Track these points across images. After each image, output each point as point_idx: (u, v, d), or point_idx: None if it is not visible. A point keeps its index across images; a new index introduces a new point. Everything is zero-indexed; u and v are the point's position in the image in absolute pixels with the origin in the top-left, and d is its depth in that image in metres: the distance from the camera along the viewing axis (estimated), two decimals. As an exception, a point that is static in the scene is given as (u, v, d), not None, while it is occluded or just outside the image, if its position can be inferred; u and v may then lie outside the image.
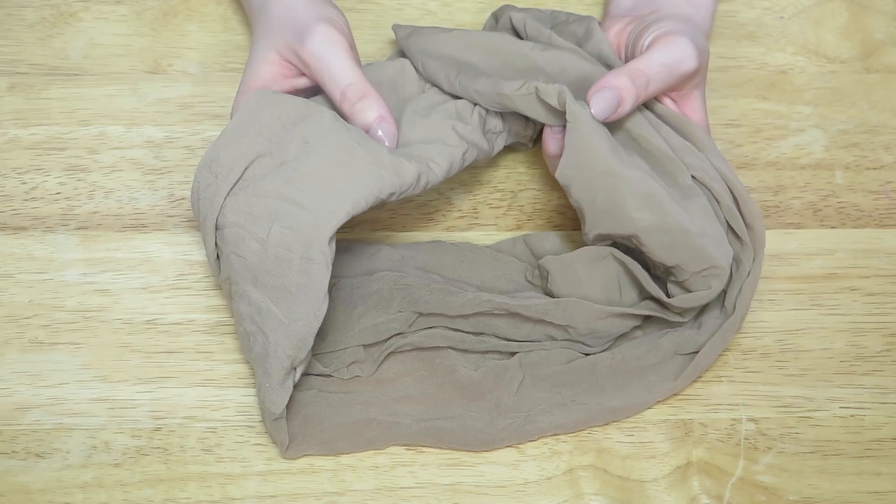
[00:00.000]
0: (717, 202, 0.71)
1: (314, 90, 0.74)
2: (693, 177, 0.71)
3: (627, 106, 0.69)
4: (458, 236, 0.78)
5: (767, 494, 0.70)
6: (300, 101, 0.69)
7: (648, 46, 0.72)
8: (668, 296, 0.71)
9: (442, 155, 0.70)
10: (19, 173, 0.79)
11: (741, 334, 0.75)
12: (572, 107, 0.68)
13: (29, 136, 0.80)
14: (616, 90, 0.69)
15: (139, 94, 0.82)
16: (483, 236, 0.78)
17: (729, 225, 0.71)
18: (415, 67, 0.75)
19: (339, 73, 0.70)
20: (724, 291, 0.72)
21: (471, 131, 0.72)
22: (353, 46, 0.73)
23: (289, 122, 0.69)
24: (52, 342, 0.74)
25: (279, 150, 0.68)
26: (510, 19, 0.77)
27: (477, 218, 0.79)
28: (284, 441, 0.69)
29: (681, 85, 0.72)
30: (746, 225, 0.71)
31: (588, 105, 0.69)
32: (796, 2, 0.87)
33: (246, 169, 0.68)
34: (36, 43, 0.84)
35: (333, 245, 0.66)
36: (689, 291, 0.70)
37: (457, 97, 0.73)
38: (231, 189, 0.67)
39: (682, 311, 0.72)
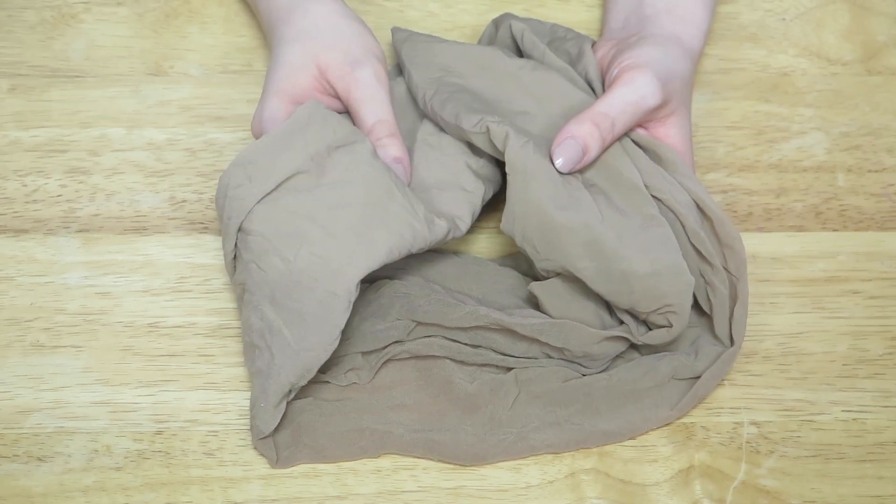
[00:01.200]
0: (683, 226, 0.70)
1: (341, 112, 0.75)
2: (657, 198, 0.70)
3: (593, 152, 0.69)
4: (458, 238, 0.78)
5: (769, 498, 0.70)
6: (348, 124, 0.69)
7: (613, 82, 0.71)
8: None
9: (464, 208, 0.71)
10: (20, 175, 0.79)
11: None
12: (511, 155, 0.68)
13: (30, 138, 0.80)
14: (579, 139, 0.68)
15: (140, 96, 0.82)
16: (484, 237, 0.78)
17: (696, 249, 0.70)
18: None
19: (379, 107, 0.72)
20: (710, 317, 0.72)
21: (484, 165, 0.73)
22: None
23: (333, 145, 0.68)
24: (53, 345, 0.74)
25: (319, 170, 0.68)
26: (510, 28, 0.77)
27: (478, 220, 0.79)
28: (272, 456, 0.69)
29: (647, 119, 0.72)
30: (725, 245, 0.70)
31: (552, 157, 0.68)
32: (798, 4, 0.87)
33: (284, 181, 0.67)
34: (37, 45, 0.83)
35: (359, 288, 0.66)
36: (657, 326, 0.70)
37: None
38: (264, 197, 0.67)
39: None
